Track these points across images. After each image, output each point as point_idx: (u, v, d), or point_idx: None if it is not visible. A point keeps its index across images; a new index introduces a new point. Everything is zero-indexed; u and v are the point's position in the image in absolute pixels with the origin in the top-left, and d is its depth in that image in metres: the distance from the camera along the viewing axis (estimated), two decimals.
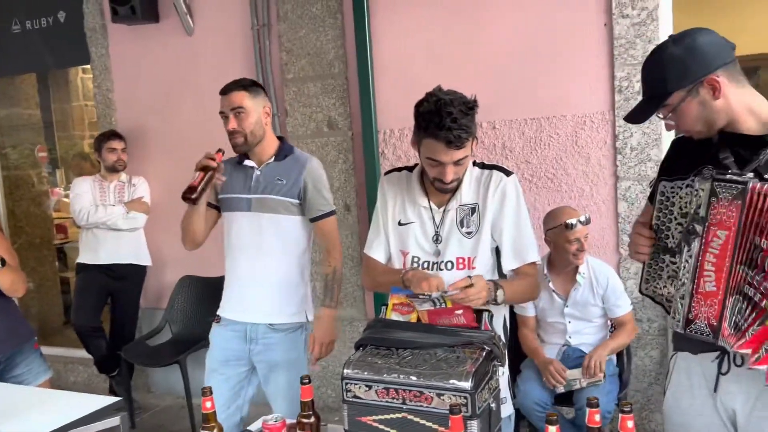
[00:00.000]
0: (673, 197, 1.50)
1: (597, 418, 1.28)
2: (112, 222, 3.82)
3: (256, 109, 2.28)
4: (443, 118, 1.68)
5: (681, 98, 1.46)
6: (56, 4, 4.25)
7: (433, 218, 1.90)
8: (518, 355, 2.84)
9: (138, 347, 3.81)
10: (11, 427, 1.84)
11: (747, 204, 1.35)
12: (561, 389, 2.67)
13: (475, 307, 1.70)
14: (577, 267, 2.74)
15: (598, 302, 2.76)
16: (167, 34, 3.93)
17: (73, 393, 2.34)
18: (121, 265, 3.90)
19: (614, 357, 2.79)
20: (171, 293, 3.96)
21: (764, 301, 1.35)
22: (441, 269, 1.86)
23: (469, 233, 1.87)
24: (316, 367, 2.41)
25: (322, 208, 2.36)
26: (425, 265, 1.89)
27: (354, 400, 1.54)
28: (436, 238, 1.89)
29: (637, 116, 1.55)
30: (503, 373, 1.82)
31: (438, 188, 1.84)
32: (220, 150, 2.25)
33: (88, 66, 4.33)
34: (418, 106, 1.76)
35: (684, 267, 1.46)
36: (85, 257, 3.92)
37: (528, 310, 2.83)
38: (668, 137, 1.64)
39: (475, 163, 1.92)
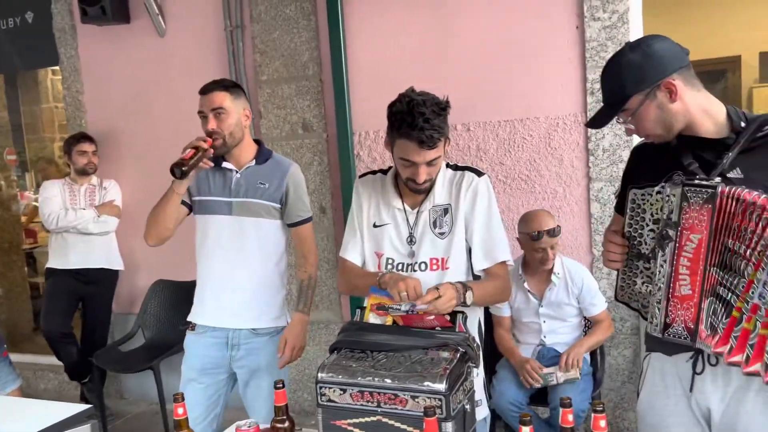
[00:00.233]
0: (644, 204, 1.53)
1: (570, 417, 1.29)
2: (82, 226, 3.76)
3: (236, 110, 2.26)
4: (416, 118, 1.69)
5: (639, 102, 1.49)
6: (24, 4, 4.17)
7: (407, 220, 1.90)
8: (494, 356, 2.86)
9: (110, 353, 3.76)
10: None
11: (717, 208, 1.39)
12: (538, 385, 2.70)
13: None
14: (552, 267, 2.76)
15: (573, 302, 2.78)
16: (138, 35, 3.88)
17: (44, 401, 2.31)
18: (92, 269, 3.84)
19: (588, 356, 2.82)
20: (144, 298, 3.91)
21: (739, 303, 1.37)
22: (415, 270, 1.87)
23: (442, 234, 1.87)
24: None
25: (302, 214, 2.36)
26: (399, 266, 1.89)
27: (328, 403, 1.53)
28: (410, 240, 1.89)
29: (598, 122, 1.59)
30: (478, 375, 1.82)
31: (411, 189, 1.85)
32: (211, 136, 2.20)
33: (58, 67, 4.26)
34: (391, 106, 1.78)
35: (659, 272, 1.49)
36: (54, 262, 3.85)
37: (503, 310, 2.85)
38: (639, 139, 1.68)
39: (448, 165, 1.93)
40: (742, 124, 1.48)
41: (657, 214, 1.50)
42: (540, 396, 2.79)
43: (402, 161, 1.79)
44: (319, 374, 1.55)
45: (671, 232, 1.45)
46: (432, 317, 1.67)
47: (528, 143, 3.15)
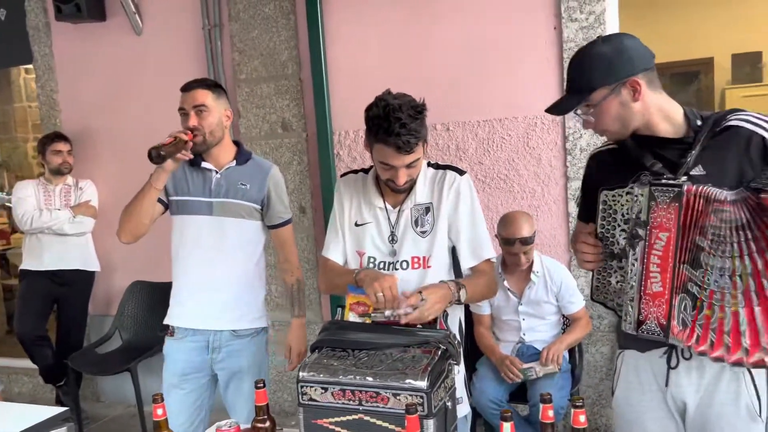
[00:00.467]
0: (615, 205, 1.56)
1: (550, 413, 1.30)
2: (57, 227, 3.71)
3: (218, 109, 2.24)
4: (392, 123, 1.69)
5: (603, 96, 1.52)
6: None
7: (389, 218, 1.90)
8: (474, 353, 2.87)
9: (86, 355, 3.71)
10: None
11: (684, 205, 1.42)
12: (518, 380, 2.73)
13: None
14: (531, 265, 2.79)
15: (552, 300, 2.81)
16: (115, 33, 3.84)
17: (18, 404, 2.27)
18: (67, 270, 3.78)
19: (567, 353, 2.85)
20: (121, 299, 3.86)
21: (701, 293, 1.40)
22: (396, 269, 1.87)
23: (423, 232, 1.88)
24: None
25: (283, 216, 2.37)
26: (381, 265, 1.89)
27: (310, 403, 1.53)
28: (392, 238, 1.89)
29: (559, 108, 1.62)
30: (459, 372, 1.83)
31: (392, 189, 1.85)
32: (191, 130, 2.18)
33: (31, 66, 4.19)
34: (368, 110, 1.77)
35: (631, 270, 1.51)
36: (28, 263, 3.79)
37: (483, 308, 2.87)
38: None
39: (429, 164, 1.93)
40: (698, 123, 1.53)
41: (627, 214, 1.53)
42: (519, 393, 2.81)
43: (381, 164, 1.79)
44: (301, 373, 1.54)
45: (641, 231, 1.48)
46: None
47: (507, 143, 3.17)
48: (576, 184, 3.07)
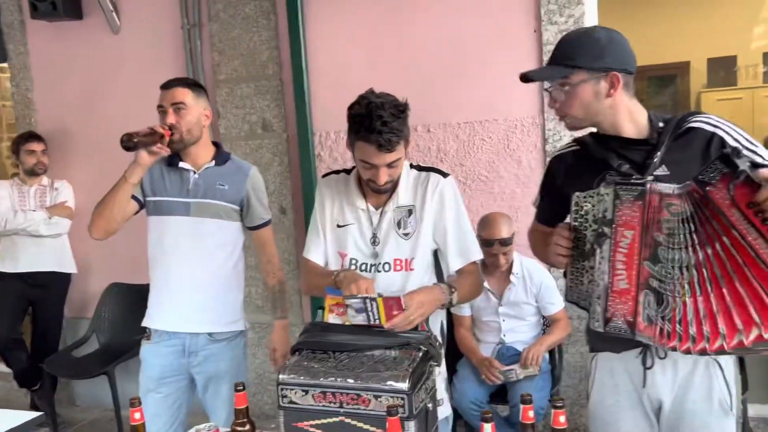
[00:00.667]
0: (586, 205, 1.57)
1: (531, 414, 1.31)
2: (32, 228, 3.65)
3: (197, 108, 2.22)
4: (374, 121, 1.69)
5: (582, 79, 1.55)
6: None
7: (371, 220, 1.90)
8: (454, 355, 2.88)
9: (62, 359, 3.65)
10: None
11: (647, 204, 1.44)
12: (499, 382, 2.73)
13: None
14: (510, 267, 2.80)
15: (532, 301, 2.83)
16: (91, 31, 3.78)
17: None
18: (42, 272, 3.72)
19: (547, 354, 2.87)
20: (98, 302, 3.80)
21: (672, 293, 1.42)
22: (379, 271, 1.86)
23: (406, 234, 1.88)
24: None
25: (264, 217, 2.36)
26: (363, 267, 1.88)
27: (290, 405, 1.52)
28: (374, 240, 1.89)
29: (534, 75, 1.64)
30: (440, 374, 1.83)
31: (373, 189, 1.84)
32: (169, 127, 2.15)
33: (5, 65, 4.12)
34: (350, 108, 1.77)
35: (598, 268, 1.53)
36: (2, 265, 3.72)
37: (464, 309, 2.88)
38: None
39: (412, 166, 1.93)
40: (661, 125, 1.58)
41: (597, 214, 1.55)
42: (500, 394, 2.82)
43: (362, 163, 1.79)
44: (281, 376, 1.53)
45: (607, 230, 1.50)
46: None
47: (487, 145, 3.19)
48: None
